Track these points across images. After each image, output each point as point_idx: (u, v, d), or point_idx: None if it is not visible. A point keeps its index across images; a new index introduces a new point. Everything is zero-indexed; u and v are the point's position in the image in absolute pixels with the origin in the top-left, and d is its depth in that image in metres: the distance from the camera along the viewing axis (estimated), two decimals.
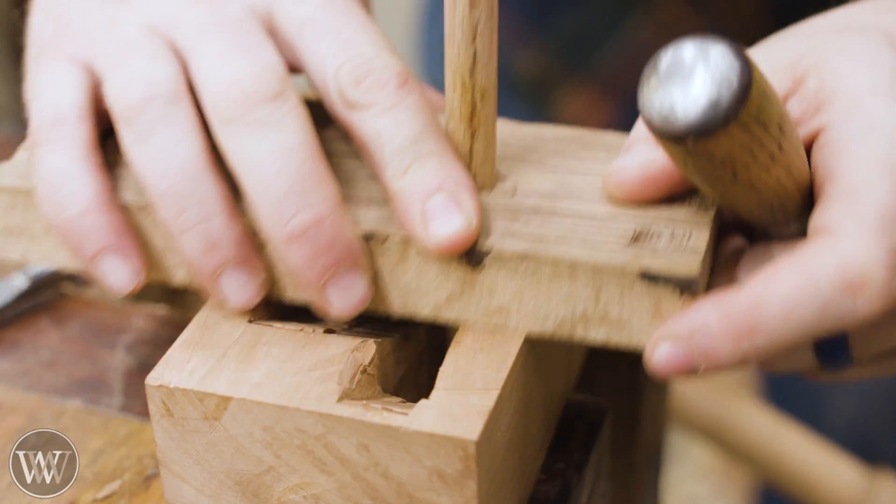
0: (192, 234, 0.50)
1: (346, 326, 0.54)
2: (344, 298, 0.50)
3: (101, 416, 0.60)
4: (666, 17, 0.97)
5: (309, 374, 0.49)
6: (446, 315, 0.51)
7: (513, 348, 0.50)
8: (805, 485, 0.88)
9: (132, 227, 0.53)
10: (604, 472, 0.61)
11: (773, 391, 1.19)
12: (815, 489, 0.88)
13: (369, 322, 0.56)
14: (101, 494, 0.56)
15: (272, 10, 0.54)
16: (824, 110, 0.50)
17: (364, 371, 0.50)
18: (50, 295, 0.68)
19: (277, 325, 0.52)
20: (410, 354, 0.55)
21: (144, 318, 0.67)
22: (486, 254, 0.49)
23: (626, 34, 0.98)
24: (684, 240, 0.49)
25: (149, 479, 0.56)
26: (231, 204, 0.51)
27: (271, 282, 0.52)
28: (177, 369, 0.49)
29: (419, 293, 0.51)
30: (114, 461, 0.57)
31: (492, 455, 0.47)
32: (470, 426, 0.46)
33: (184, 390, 0.48)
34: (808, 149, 0.50)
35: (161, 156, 0.50)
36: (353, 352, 0.50)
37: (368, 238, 0.50)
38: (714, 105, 0.43)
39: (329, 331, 0.52)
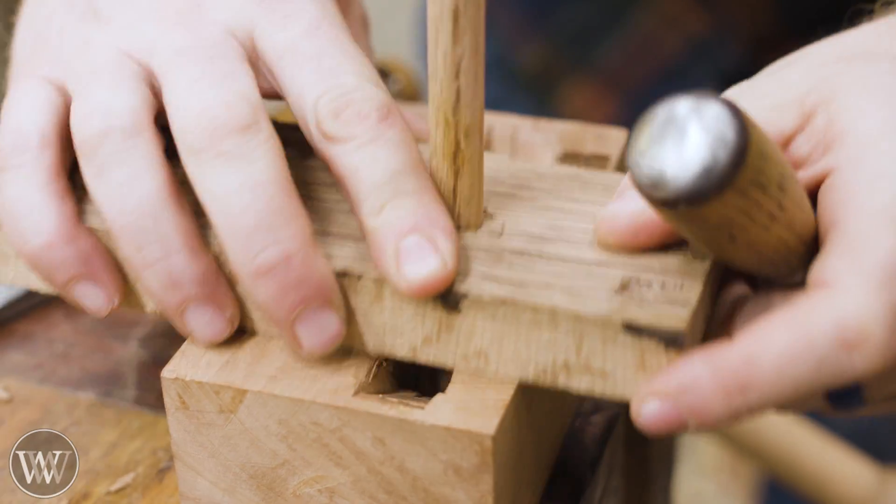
0: (153, 272, 0.49)
1: None
2: (314, 336, 0.48)
3: (114, 409, 0.60)
4: (670, 9, 0.97)
5: (324, 367, 0.49)
6: (423, 357, 0.49)
7: None
8: (814, 481, 0.88)
9: (103, 251, 0.51)
10: (617, 467, 0.61)
11: None
12: (823, 486, 0.88)
13: None
14: (114, 487, 0.56)
15: (254, 34, 0.52)
16: (833, 151, 0.48)
17: (380, 365, 0.49)
18: None
19: None
20: None
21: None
22: (464, 297, 0.47)
23: (630, 28, 0.97)
24: (675, 290, 0.46)
25: (162, 471, 0.56)
26: (194, 239, 0.49)
27: (242, 315, 0.51)
28: (192, 362, 0.49)
29: (395, 333, 0.49)
30: (127, 454, 0.57)
31: (507, 449, 0.47)
32: (486, 420, 0.46)
33: (199, 383, 0.48)
34: (816, 189, 0.48)
35: (118, 192, 0.49)
36: None
37: (342, 276, 0.48)
38: (708, 171, 0.40)
39: None
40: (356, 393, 0.47)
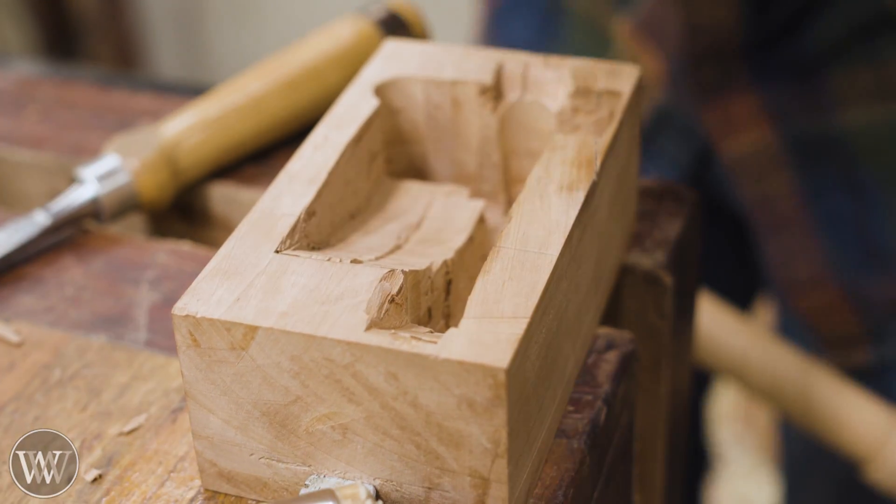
0: None
1: (373, 258, 0.54)
2: None
3: (126, 351, 0.60)
4: None
5: (336, 303, 0.48)
6: None
7: (542, 277, 0.49)
8: (828, 424, 0.87)
9: None
10: (630, 404, 0.60)
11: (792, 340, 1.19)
12: (837, 428, 0.87)
13: (396, 253, 0.55)
14: (127, 428, 0.55)
15: None
16: None
17: (392, 300, 0.49)
18: (72, 231, 0.68)
19: (304, 254, 0.51)
20: (438, 284, 0.54)
21: (168, 253, 0.66)
22: None
23: None
24: None
25: (175, 412, 0.56)
26: None
27: None
28: (203, 299, 0.49)
29: None
30: (139, 395, 0.57)
31: (521, 384, 0.47)
32: (500, 354, 0.45)
33: (210, 320, 0.48)
34: None
35: None
36: (380, 281, 0.49)
37: None
38: None
39: (356, 261, 0.51)
40: (368, 328, 0.47)
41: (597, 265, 0.58)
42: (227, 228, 0.72)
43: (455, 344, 0.46)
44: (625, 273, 0.65)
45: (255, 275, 0.50)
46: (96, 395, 0.57)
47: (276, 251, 0.51)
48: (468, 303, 0.48)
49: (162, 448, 0.54)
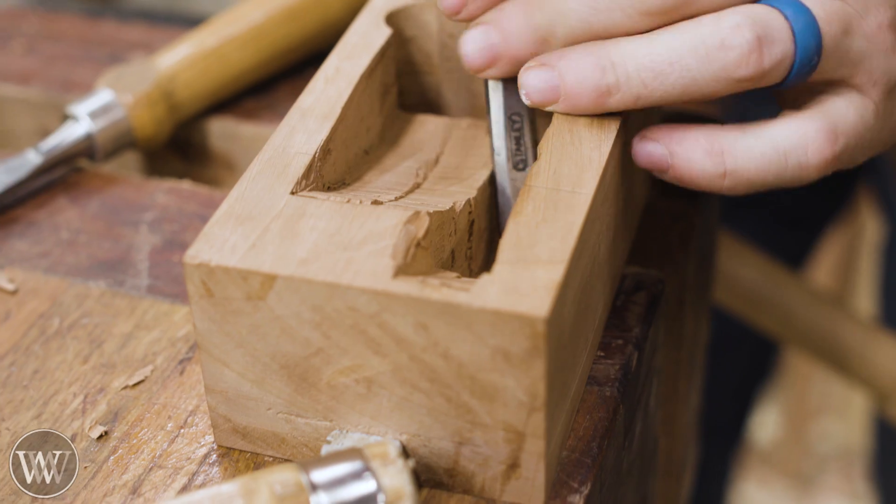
0: None
1: (392, 197, 0.51)
2: None
3: (127, 299, 0.57)
4: None
5: (360, 248, 0.45)
6: None
7: (577, 218, 0.46)
8: (852, 360, 0.85)
9: None
10: (660, 346, 0.58)
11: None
12: (862, 364, 0.85)
13: (416, 192, 0.52)
14: (132, 380, 0.52)
15: None
16: None
17: (418, 244, 0.46)
18: (65, 171, 0.64)
19: (321, 196, 0.48)
20: (461, 226, 0.51)
21: (167, 193, 0.63)
22: None
23: None
24: None
25: (183, 363, 0.53)
26: None
27: None
28: (217, 246, 0.45)
29: None
30: (144, 346, 0.54)
31: (559, 332, 0.44)
32: (538, 302, 0.42)
33: (225, 268, 0.44)
34: None
35: None
36: (405, 224, 0.46)
37: None
38: None
39: (377, 202, 0.48)
40: (395, 275, 0.44)
41: (626, 202, 0.55)
42: (227, 166, 0.69)
43: (489, 292, 0.43)
44: (650, 210, 0.62)
45: (271, 218, 0.46)
46: (98, 345, 0.54)
47: (292, 192, 0.48)
48: (500, 246, 0.45)
49: (171, 402, 0.51)
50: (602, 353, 0.53)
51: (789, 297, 0.84)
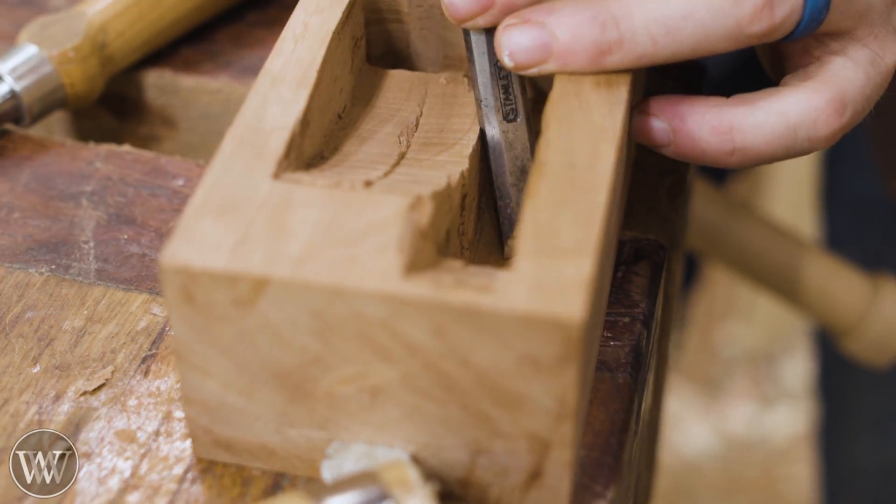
0: None
1: (381, 173, 0.45)
2: None
3: (75, 286, 0.50)
4: None
5: (361, 244, 0.40)
6: None
7: (600, 198, 0.41)
8: (812, 296, 0.82)
9: None
10: (670, 319, 0.53)
11: None
12: (821, 300, 0.83)
13: (403, 165, 0.47)
14: (92, 385, 0.47)
15: None
16: None
17: (424, 235, 0.41)
18: None
19: (307, 179, 0.42)
20: (455, 202, 0.46)
21: (107, 159, 0.56)
22: None
23: None
24: None
25: (146, 360, 0.48)
26: None
27: None
28: (196, 244, 0.40)
29: None
30: (100, 342, 0.48)
31: (588, 331, 0.39)
32: (570, 303, 0.38)
33: (210, 273, 0.39)
34: None
35: None
36: (408, 212, 0.41)
37: None
38: None
39: (368, 183, 0.42)
40: (405, 275, 0.39)
41: (626, 163, 0.50)
42: (166, 122, 0.63)
43: (515, 292, 0.38)
44: (636, 165, 0.57)
45: (255, 209, 0.41)
46: (48, 343, 0.48)
47: (274, 176, 0.42)
48: (520, 237, 0.40)
49: (138, 408, 0.46)
50: (609, 334, 0.48)
51: (748, 232, 0.81)
